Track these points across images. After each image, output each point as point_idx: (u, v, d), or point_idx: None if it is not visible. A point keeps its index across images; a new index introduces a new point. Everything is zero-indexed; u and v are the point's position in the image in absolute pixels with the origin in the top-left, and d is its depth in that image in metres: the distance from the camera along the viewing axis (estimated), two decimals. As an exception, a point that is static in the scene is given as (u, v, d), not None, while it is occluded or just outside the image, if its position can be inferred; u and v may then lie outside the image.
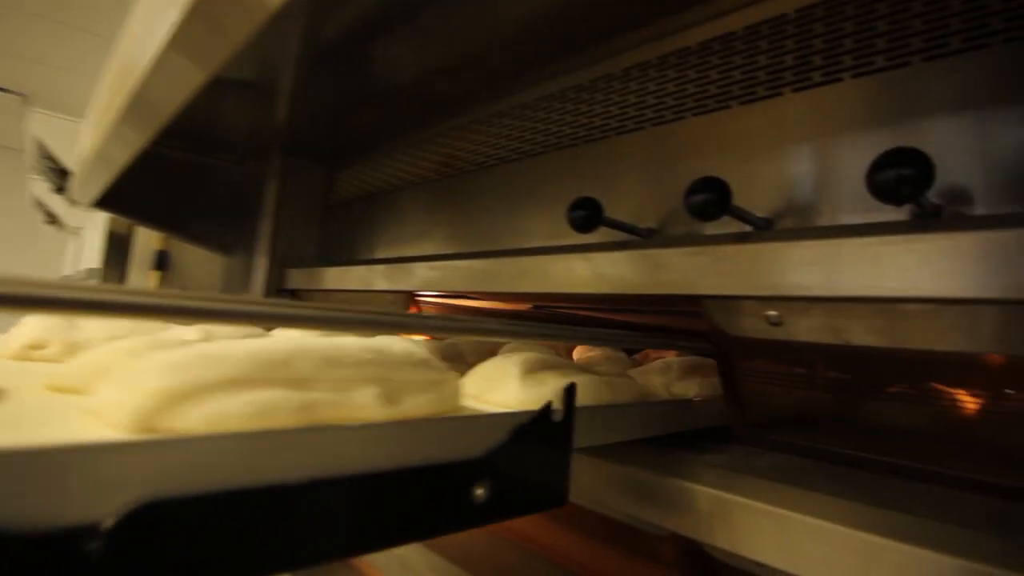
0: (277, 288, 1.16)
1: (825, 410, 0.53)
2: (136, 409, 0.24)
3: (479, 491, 0.33)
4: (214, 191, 1.41)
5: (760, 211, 0.52)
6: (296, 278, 1.12)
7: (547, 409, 0.38)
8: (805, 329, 0.46)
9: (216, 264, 1.39)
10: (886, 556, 0.36)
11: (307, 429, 0.27)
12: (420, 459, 0.30)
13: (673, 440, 0.56)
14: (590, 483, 0.53)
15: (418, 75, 0.81)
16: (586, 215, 0.52)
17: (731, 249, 0.45)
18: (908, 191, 0.36)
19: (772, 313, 0.47)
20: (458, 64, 0.76)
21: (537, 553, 0.73)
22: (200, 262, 1.40)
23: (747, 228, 0.52)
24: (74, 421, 0.26)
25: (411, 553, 0.75)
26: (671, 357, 0.73)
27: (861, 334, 0.43)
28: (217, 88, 0.74)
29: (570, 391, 0.39)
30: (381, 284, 0.85)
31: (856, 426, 0.53)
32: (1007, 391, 0.45)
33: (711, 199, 0.43)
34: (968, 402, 0.46)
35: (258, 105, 0.95)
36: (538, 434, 0.37)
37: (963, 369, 0.44)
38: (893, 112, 0.46)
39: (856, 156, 0.47)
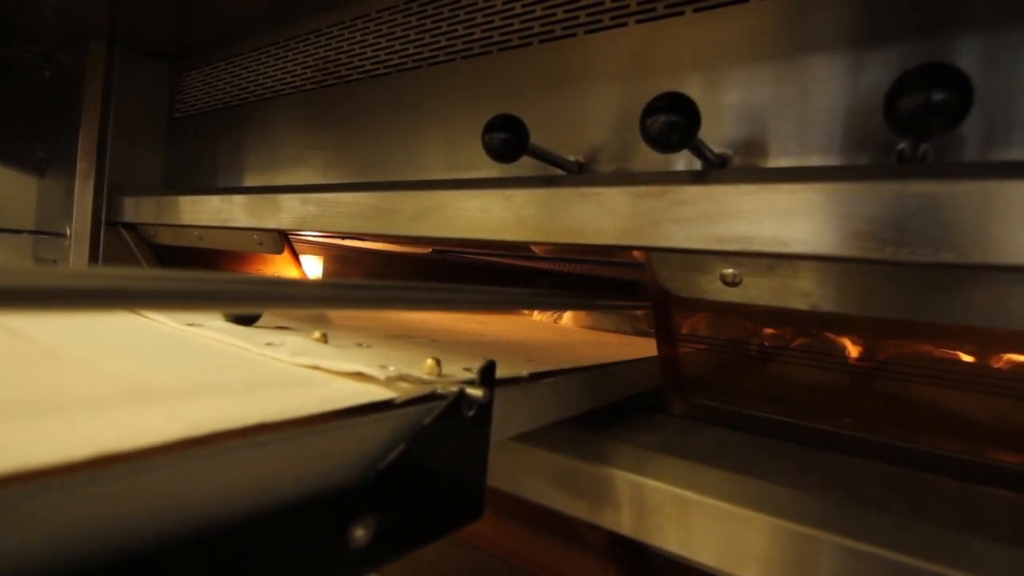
0: (108, 220, 0.93)
1: (770, 380, 0.47)
2: None
3: (359, 532, 0.22)
4: (17, 92, 1.09)
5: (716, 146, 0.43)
6: (132, 209, 0.89)
7: (460, 397, 0.27)
8: (766, 291, 0.38)
9: (27, 189, 1.09)
10: (823, 551, 0.31)
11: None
12: (249, 501, 0.19)
13: (601, 413, 0.48)
14: (506, 469, 0.45)
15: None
16: (507, 139, 0.39)
17: (692, 191, 0.36)
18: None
19: (729, 271, 0.39)
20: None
21: (462, 541, 0.64)
22: (4, 187, 1.09)
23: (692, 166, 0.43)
24: None
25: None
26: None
27: (832, 299, 0.36)
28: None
29: (489, 370, 0.29)
30: (242, 219, 0.68)
31: (803, 397, 0.48)
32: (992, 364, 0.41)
33: (677, 123, 0.32)
34: (929, 375, 0.42)
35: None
36: (445, 433, 0.26)
37: (941, 340, 0.39)
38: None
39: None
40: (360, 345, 0.40)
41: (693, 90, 0.44)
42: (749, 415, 0.46)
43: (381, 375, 0.27)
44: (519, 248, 0.60)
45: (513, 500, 0.52)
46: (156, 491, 0.16)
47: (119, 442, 0.16)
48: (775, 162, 0.42)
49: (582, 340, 0.65)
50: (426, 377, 0.28)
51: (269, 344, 0.34)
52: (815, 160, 0.40)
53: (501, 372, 0.30)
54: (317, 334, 0.40)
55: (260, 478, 0.19)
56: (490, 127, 0.40)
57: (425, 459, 0.24)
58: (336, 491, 0.21)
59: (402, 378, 0.27)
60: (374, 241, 0.81)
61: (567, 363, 0.42)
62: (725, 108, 0.43)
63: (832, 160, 0.39)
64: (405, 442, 0.23)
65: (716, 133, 0.43)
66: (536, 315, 0.95)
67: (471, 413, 0.27)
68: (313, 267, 1.24)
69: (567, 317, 0.87)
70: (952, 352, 0.42)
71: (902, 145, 0.36)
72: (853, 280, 0.35)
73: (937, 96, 0.26)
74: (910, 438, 0.41)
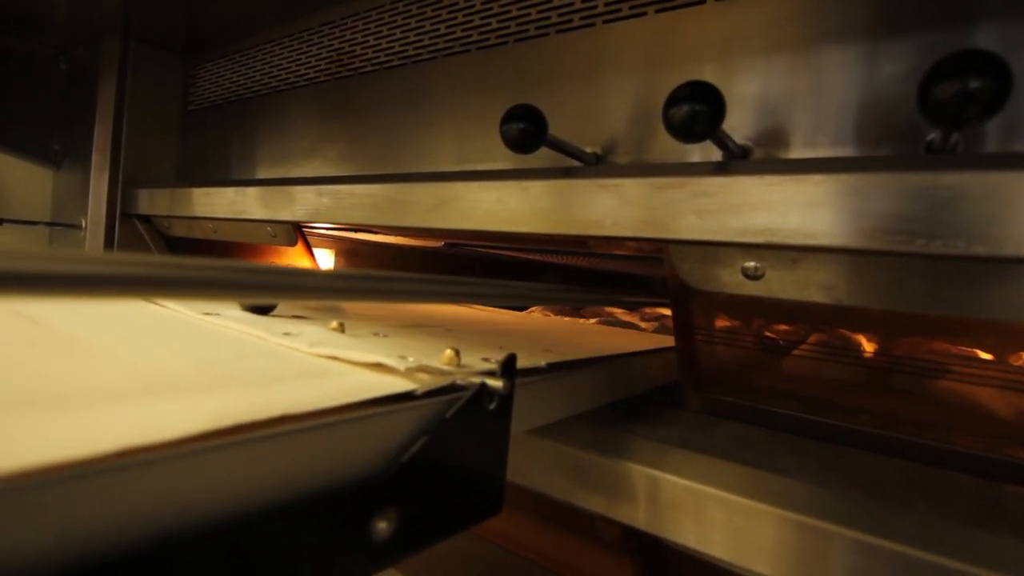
0: (123, 212, 0.93)
1: (789, 376, 0.46)
2: None
3: (381, 525, 0.22)
4: (33, 85, 1.09)
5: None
6: (147, 201, 0.89)
7: (481, 389, 0.27)
8: (789, 284, 0.37)
9: (43, 181, 1.10)
10: (844, 548, 0.31)
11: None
12: (271, 493, 0.18)
13: (618, 407, 0.48)
14: (521, 463, 0.44)
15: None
16: (526, 129, 0.39)
17: (715, 182, 0.35)
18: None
19: (751, 264, 0.38)
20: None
21: (475, 535, 0.64)
22: (21, 179, 1.10)
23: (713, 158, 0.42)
24: None
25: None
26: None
27: (856, 293, 0.36)
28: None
29: (510, 362, 0.28)
30: (256, 211, 0.68)
31: (822, 394, 0.48)
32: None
33: (702, 112, 0.32)
34: (949, 373, 0.41)
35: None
36: (467, 426, 0.26)
37: (970, 336, 0.38)
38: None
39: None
40: (376, 335, 0.40)
41: (712, 80, 0.43)
42: (767, 411, 0.46)
43: (401, 366, 0.27)
44: (536, 240, 0.60)
45: (527, 494, 0.52)
46: (179, 485, 0.16)
47: (142, 435, 0.16)
48: (796, 153, 0.41)
49: (596, 330, 0.65)
50: (446, 368, 0.28)
51: (287, 334, 0.34)
52: (838, 151, 0.39)
53: (520, 362, 0.30)
54: (334, 323, 0.40)
55: (283, 470, 0.19)
56: (509, 117, 0.39)
57: (447, 452, 0.24)
58: (359, 483, 0.21)
59: (422, 369, 0.27)
60: (387, 234, 0.81)
61: (584, 353, 0.42)
62: (744, 99, 0.43)
63: (854, 151, 0.38)
64: (428, 435, 0.23)
65: (735, 124, 0.42)
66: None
67: (492, 406, 0.27)
68: (325, 260, 1.25)
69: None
70: (972, 348, 0.41)
71: (932, 136, 0.35)
72: (878, 274, 0.34)
73: (974, 84, 0.25)
74: (931, 435, 0.40)
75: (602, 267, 1.24)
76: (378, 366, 0.27)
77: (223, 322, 0.38)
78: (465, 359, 0.31)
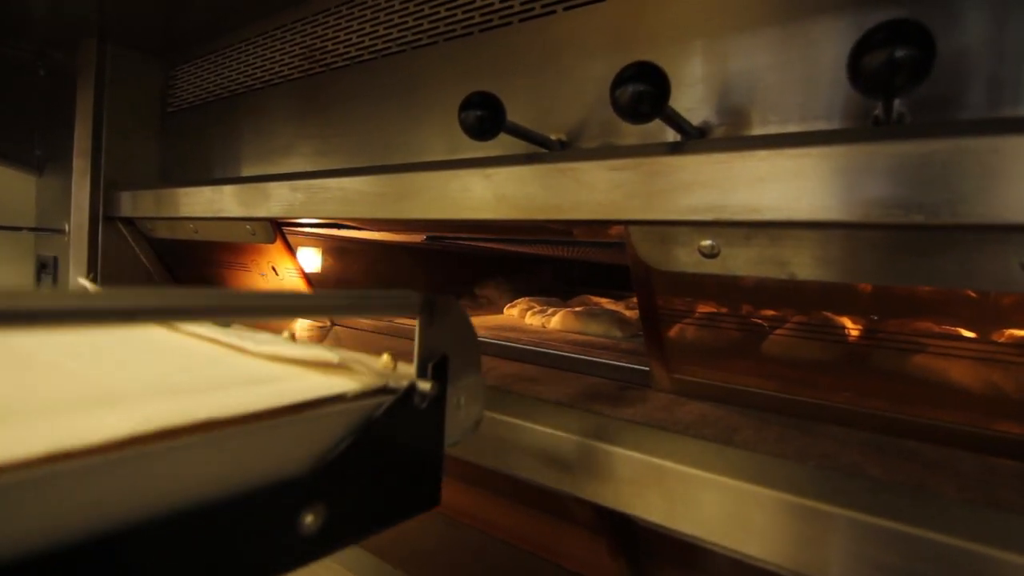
0: (106, 216, 0.93)
1: (753, 354, 0.47)
2: None
3: (308, 519, 0.22)
4: (13, 92, 1.10)
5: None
6: (129, 203, 0.90)
7: (411, 390, 0.27)
8: (744, 261, 0.38)
9: (26, 187, 1.10)
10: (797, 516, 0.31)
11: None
12: (201, 492, 0.19)
13: (587, 391, 0.48)
14: (492, 446, 0.45)
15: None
16: (483, 116, 0.40)
17: (667, 162, 0.36)
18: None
19: (707, 243, 0.39)
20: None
21: (453, 520, 0.65)
22: (4, 186, 1.10)
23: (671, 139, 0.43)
24: None
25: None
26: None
27: (809, 267, 0.36)
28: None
29: (441, 364, 0.28)
30: (234, 209, 0.68)
31: (781, 368, 0.48)
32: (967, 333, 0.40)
33: (647, 93, 0.32)
34: (915, 342, 0.42)
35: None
36: (397, 425, 0.26)
37: (919, 308, 0.39)
38: None
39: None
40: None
41: (677, 61, 0.44)
42: (735, 390, 0.47)
43: (335, 359, 0.27)
44: (502, 228, 0.60)
45: (504, 479, 0.53)
46: (107, 485, 0.17)
47: (70, 440, 0.16)
48: (755, 132, 0.41)
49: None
50: (380, 370, 0.28)
51: (240, 337, 0.34)
52: (792, 129, 0.39)
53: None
54: (286, 333, 0.41)
55: (212, 470, 0.19)
56: (466, 105, 0.40)
57: (377, 450, 0.24)
58: (286, 481, 0.21)
59: (357, 362, 0.27)
60: (364, 228, 0.82)
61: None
62: (703, 79, 0.43)
63: (807, 128, 0.38)
64: (355, 434, 0.23)
65: (693, 105, 0.43)
66: (528, 317, 0.94)
67: (423, 406, 0.27)
68: (311, 259, 1.25)
69: (556, 320, 0.86)
70: (927, 322, 0.41)
71: (877, 111, 0.36)
72: (829, 247, 0.35)
73: (900, 52, 0.26)
74: (896, 408, 0.41)
75: (589, 258, 1.25)
76: (318, 366, 0.28)
77: (179, 335, 0.38)
78: (404, 366, 0.31)
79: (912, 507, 0.30)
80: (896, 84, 0.26)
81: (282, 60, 0.76)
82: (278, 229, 0.74)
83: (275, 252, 0.79)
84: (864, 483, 0.31)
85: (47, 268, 1.03)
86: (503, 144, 0.51)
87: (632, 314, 0.89)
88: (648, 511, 0.37)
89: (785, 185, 0.32)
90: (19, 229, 1.04)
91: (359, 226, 0.81)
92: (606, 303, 1.07)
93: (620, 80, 0.32)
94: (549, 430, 0.41)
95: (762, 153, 0.33)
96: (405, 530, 0.62)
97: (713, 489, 0.34)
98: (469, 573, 0.55)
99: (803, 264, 0.36)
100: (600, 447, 0.38)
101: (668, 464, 0.36)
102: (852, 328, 0.44)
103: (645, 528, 0.44)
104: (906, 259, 0.33)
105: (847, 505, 0.30)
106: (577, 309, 0.87)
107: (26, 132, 1.08)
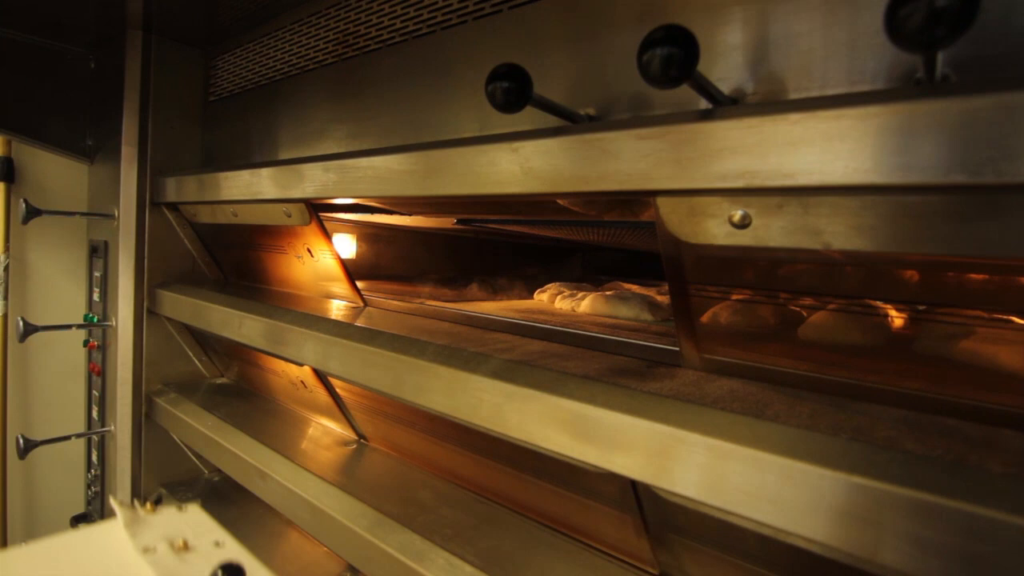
0: (153, 201, 0.97)
1: (784, 333, 0.46)
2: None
3: None
4: (67, 84, 1.15)
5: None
6: (173, 189, 0.93)
7: None
8: (777, 231, 0.37)
9: (79, 175, 1.16)
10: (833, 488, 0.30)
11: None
12: None
13: (616, 365, 0.48)
14: (517, 418, 0.45)
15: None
16: (510, 87, 0.40)
17: (697, 129, 0.35)
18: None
19: (738, 213, 0.38)
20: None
21: (480, 498, 0.66)
22: (58, 172, 1.16)
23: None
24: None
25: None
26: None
27: (844, 236, 0.35)
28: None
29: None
30: (270, 191, 0.70)
31: (816, 350, 0.47)
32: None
33: (675, 55, 0.32)
34: (952, 320, 0.40)
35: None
36: None
37: (966, 293, 0.37)
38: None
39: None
40: (217, 544, 0.45)
41: (708, 29, 0.43)
42: (765, 368, 0.46)
43: None
44: (531, 207, 0.60)
45: (528, 455, 0.53)
46: None
47: None
48: (791, 97, 0.40)
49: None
50: None
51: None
52: (830, 93, 0.38)
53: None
54: (180, 541, 0.44)
55: None
56: (492, 77, 0.40)
57: None
58: None
59: None
60: (395, 211, 0.83)
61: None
62: (736, 47, 0.42)
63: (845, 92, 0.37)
64: None
65: (726, 73, 0.42)
66: (558, 301, 0.93)
67: None
68: (346, 245, 1.27)
69: (586, 304, 0.86)
70: (966, 296, 0.40)
71: (919, 73, 0.35)
72: (865, 214, 0.34)
73: (940, 1, 0.25)
74: (934, 388, 0.40)
75: (620, 244, 1.23)
76: None
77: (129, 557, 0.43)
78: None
79: (950, 480, 0.29)
80: (936, 36, 0.25)
81: (317, 46, 0.78)
82: (313, 211, 0.76)
83: (310, 235, 0.80)
84: (899, 456, 0.30)
85: (98, 252, 1.08)
86: (532, 121, 0.51)
87: (664, 299, 0.88)
88: (675, 483, 0.37)
89: (820, 148, 0.31)
90: (71, 214, 1.10)
91: (390, 208, 0.83)
92: (637, 289, 1.06)
93: (648, 43, 0.32)
94: (575, 402, 0.41)
95: (795, 116, 0.32)
96: (436, 507, 0.63)
97: (744, 461, 0.34)
98: (494, 550, 0.56)
99: (838, 233, 0.35)
100: (627, 419, 0.38)
101: (696, 436, 0.35)
102: (894, 312, 0.43)
103: (672, 505, 0.44)
104: (947, 225, 0.31)
105: (882, 478, 0.29)
106: (608, 293, 0.86)
107: (78, 122, 1.13)
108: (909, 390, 0.41)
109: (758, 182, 0.33)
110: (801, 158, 0.32)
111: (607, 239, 0.98)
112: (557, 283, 1.07)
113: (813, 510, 0.32)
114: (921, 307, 0.40)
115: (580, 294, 0.90)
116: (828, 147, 0.31)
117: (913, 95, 0.29)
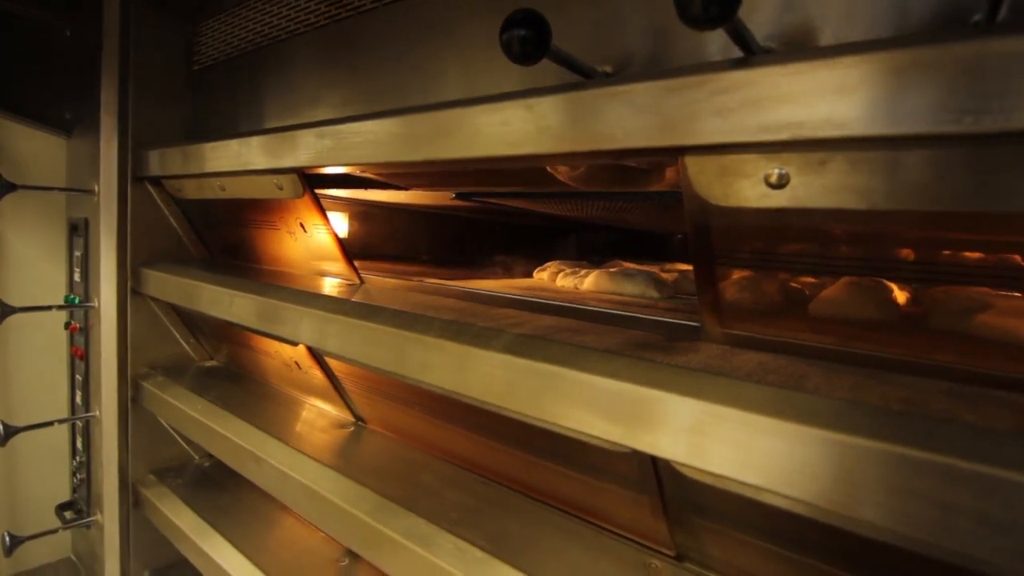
0: (135, 176, 0.93)
1: (808, 302, 0.44)
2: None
3: None
4: (41, 53, 1.09)
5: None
6: (156, 161, 0.89)
7: None
8: (817, 191, 0.34)
9: (57, 149, 1.10)
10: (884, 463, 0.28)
11: None
12: None
13: (635, 339, 0.46)
14: (531, 396, 0.42)
15: None
16: (528, 36, 0.36)
17: (734, 78, 0.32)
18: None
19: (775, 171, 0.35)
20: None
21: (489, 481, 0.63)
22: (35, 147, 1.11)
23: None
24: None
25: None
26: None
27: (893, 195, 0.32)
28: None
29: None
30: (260, 161, 0.66)
31: (840, 319, 0.45)
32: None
33: (719, -9, 0.29)
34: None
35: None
36: None
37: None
38: None
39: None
40: None
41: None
42: (793, 343, 0.43)
43: None
44: (537, 173, 0.57)
45: (542, 435, 0.50)
46: None
47: None
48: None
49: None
50: None
51: None
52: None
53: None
54: None
55: None
56: (509, 23, 0.36)
57: None
58: None
59: None
60: (393, 181, 0.79)
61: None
62: (769, -3, 0.39)
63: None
64: None
65: (759, 22, 0.39)
66: (559, 280, 0.90)
67: None
68: (338, 223, 1.23)
69: (589, 281, 0.83)
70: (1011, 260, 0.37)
71: (977, 16, 0.32)
72: (917, 169, 0.31)
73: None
74: (975, 362, 0.37)
75: (619, 222, 1.21)
76: None
77: None
78: None
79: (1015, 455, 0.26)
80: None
81: (307, 7, 0.73)
82: (306, 183, 0.72)
83: (303, 208, 0.77)
84: (961, 430, 0.28)
85: (78, 230, 1.03)
86: (534, 82, 0.48)
87: (668, 276, 0.85)
88: (710, 462, 0.34)
89: (874, 94, 0.28)
90: (49, 189, 1.04)
91: (388, 179, 0.79)
92: (637, 267, 1.04)
93: (689, -24, 0.29)
94: (598, 377, 0.38)
95: (848, 60, 0.29)
96: (440, 490, 0.60)
97: (784, 437, 0.31)
98: (503, 533, 0.53)
99: (887, 192, 0.32)
100: (656, 393, 0.36)
101: (734, 411, 0.33)
102: (930, 274, 0.40)
103: (695, 484, 0.41)
104: (1006, 177, 0.29)
105: (945, 452, 0.27)
106: (612, 270, 0.83)
107: (55, 94, 1.07)
108: (945, 363, 0.39)
109: (805, 134, 0.30)
110: (853, 105, 0.29)
111: (610, 214, 0.95)
112: (557, 261, 1.05)
113: (869, 488, 0.29)
114: (967, 277, 0.38)
115: (583, 272, 0.88)
116: (882, 92, 0.28)
117: (982, 32, 0.26)
